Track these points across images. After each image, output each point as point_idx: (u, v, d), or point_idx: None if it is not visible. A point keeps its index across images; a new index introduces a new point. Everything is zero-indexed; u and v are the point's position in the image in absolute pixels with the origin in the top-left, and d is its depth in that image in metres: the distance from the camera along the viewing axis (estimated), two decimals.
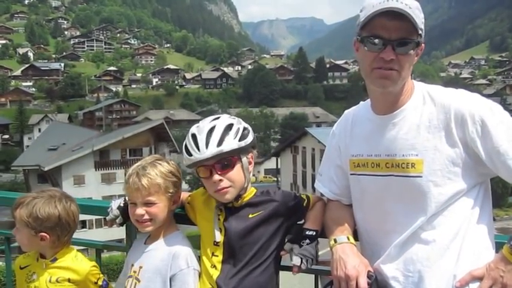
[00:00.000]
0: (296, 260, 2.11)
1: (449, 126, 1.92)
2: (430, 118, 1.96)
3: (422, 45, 1.94)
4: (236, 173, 2.21)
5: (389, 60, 1.89)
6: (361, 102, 2.26)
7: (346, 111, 2.34)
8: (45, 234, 2.35)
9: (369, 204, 2.12)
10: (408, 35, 1.87)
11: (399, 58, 1.89)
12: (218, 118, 2.28)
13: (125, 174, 2.36)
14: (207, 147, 2.15)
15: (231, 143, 2.18)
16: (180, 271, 2.20)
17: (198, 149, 2.16)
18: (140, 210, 2.23)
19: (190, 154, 2.19)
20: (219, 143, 2.16)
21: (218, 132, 2.19)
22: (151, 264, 2.26)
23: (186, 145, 2.23)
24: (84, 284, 2.42)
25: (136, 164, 2.30)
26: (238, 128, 2.23)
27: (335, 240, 2.07)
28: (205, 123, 2.25)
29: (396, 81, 1.93)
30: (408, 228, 1.96)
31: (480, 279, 1.86)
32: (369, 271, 1.94)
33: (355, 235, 2.16)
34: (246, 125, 2.29)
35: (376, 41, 1.89)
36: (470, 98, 1.95)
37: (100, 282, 2.45)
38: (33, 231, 2.34)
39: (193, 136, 2.21)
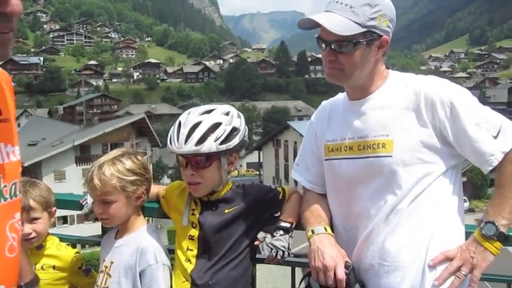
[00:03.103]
0: (264, 251, 2.14)
1: (419, 107, 1.96)
2: (401, 100, 2.01)
3: (384, 37, 1.99)
4: (211, 171, 2.18)
5: (330, 60, 2.00)
6: (339, 94, 2.30)
7: (323, 102, 2.38)
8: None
9: (342, 188, 2.13)
10: (347, 35, 1.92)
11: (340, 58, 1.97)
12: (210, 112, 2.21)
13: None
14: (185, 142, 2.12)
15: (211, 145, 2.13)
16: (149, 267, 2.17)
17: (178, 142, 2.13)
18: (97, 209, 2.24)
19: (170, 143, 2.17)
20: (198, 143, 2.11)
21: (201, 130, 2.13)
22: (121, 259, 2.24)
23: (170, 133, 2.21)
24: (69, 270, 2.46)
25: (98, 160, 2.26)
26: (225, 130, 2.17)
27: (312, 231, 2.08)
28: (195, 115, 2.19)
29: (341, 77, 2.03)
30: (380, 212, 1.99)
31: (452, 259, 1.93)
32: (346, 261, 1.95)
33: (332, 226, 2.17)
34: (238, 125, 2.23)
35: (320, 42, 2.02)
36: (440, 82, 2.01)
37: (83, 267, 2.52)
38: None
39: (179, 127, 2.18)
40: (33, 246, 2.42)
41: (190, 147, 2.11)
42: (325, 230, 2.08)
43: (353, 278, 1.94)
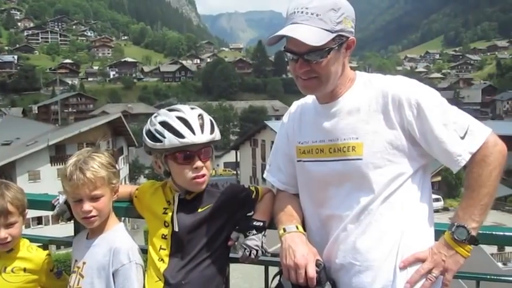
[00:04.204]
0: (238, 251, 2.16)
1: (387, 109, 1.98)
2: (369, 103, 2.02)
3: (351, 38, 1.99)
4: (210, 163, 2.24)
5: (304, 72, 1.98)
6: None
7: (294, 102, 2.37)
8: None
9: (314, 189, 2.14)
10: (317, 43, 1.90)
11: (313, 67, 1.96)
12: (196, 108, 2.28)
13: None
14: (202, 131, 2.15)
15: (218, 133, 2.23)
16: (122, 266, 2.15)
17: (193, 132, 2.13)
18: (87, 206, 2.17)
19: (182, 136, 2.13)
20: (211, 131, 2.19)
21: (207, 120, 2.21)
22: (94, 260, 2.21)
23: (172, 128, 2.15)
24: (40, 273, 2.40)
25: (74, 160, 2.21)
26: (214, 121, 2.27)
27: (284, 230, 2.09)
28: (187, 109, 2.23)
29: (318, 86, 2.02)
30: (351, 213, 2.00)
31: (423, 261, 1.95)
32: (317, 259, 1.96)
33: (304, 225, 2.18)
34: None
35: (289, 54, 1.99)
36: (407, 83, 2.02)
37: (55, 270, 2.46)
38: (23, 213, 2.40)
39: (182, 119, 2.17)
40: (4, 250, 2.35)
41: (207, 135, 2.16)
42: (297, 228, 2.08)
43: (324, 276, 1.94)
